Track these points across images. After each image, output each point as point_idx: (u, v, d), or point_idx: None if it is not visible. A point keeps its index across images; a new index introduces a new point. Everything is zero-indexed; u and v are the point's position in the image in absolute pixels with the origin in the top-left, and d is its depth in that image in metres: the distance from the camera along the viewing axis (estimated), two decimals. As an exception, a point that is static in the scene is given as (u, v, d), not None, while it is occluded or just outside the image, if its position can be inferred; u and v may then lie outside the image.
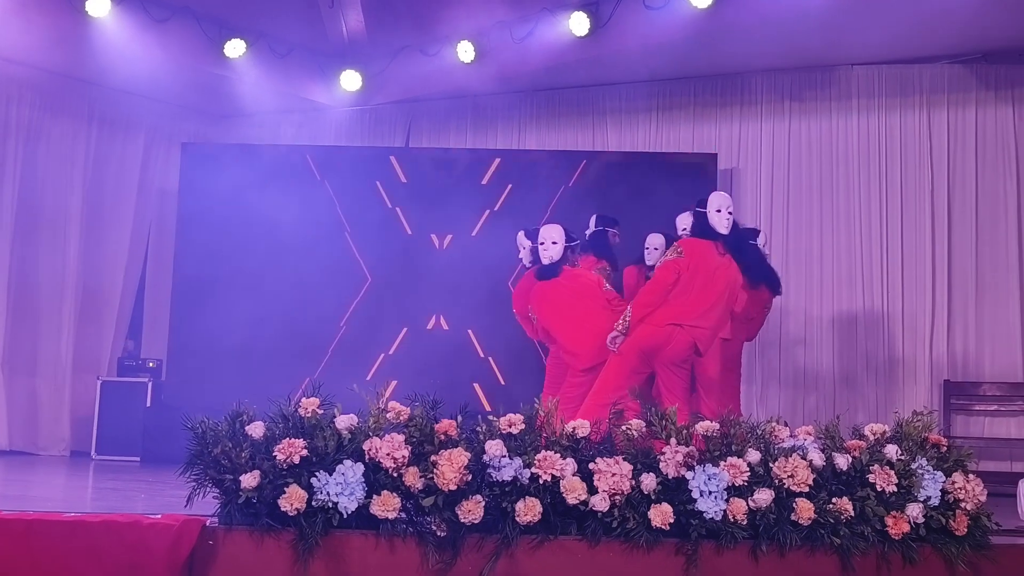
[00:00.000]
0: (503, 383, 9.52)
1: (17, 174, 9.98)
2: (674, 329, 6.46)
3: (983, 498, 4.61)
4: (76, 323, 10.30)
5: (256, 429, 4.34)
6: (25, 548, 4.12)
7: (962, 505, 4.55)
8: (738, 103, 10.12)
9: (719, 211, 6.58)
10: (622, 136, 10.39)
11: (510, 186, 9.83)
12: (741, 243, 6.75)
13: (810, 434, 4.74)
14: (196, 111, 11.01)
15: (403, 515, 4.28)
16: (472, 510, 4.22)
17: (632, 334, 6.53)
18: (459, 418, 4.42)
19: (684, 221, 7.17)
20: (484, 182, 9.88)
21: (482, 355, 9.62)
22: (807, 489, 4.42)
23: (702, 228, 6.62)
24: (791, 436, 4.69)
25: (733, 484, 4.37)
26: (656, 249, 7.62)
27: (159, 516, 4.28)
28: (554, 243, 7.06)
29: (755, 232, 7.63)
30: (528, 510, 4.25)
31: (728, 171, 9.99)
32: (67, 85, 10.25)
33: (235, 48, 9.61)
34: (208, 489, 4.31)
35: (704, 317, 6.50)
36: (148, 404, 9.68)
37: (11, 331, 9.92)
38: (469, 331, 9.65)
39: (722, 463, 4.40)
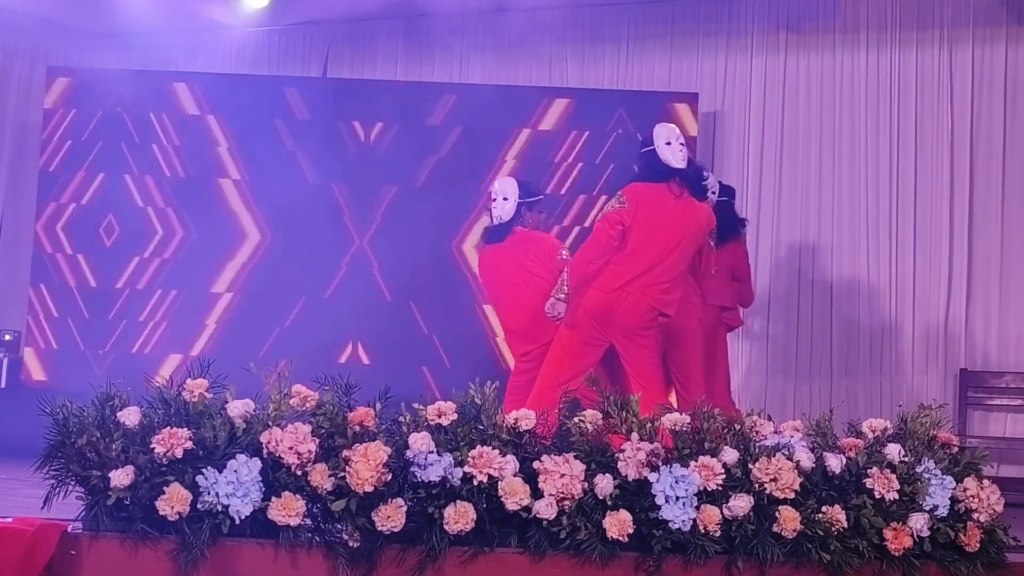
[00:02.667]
0: (448, 365, 9.54)
1: None
2: (621, 293, 6.42)
3: (999, 508, 4.69)
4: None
5: (130, 416, 4.31)
6: None
7: (974, 516, 4.62)
8: (724, 33, 10.15)
9: (669, 144, 6.56)
10: (584, 70, 10.39)
11: (461, 128, 9.80)
12: (698, 180, 6.70)
13: (798, 430, 4.78)
14: (65, 29, 10.84)
15: (308, 521, 4.28)
16: (391, 516, 4.22)
17: (577, 300, 6.52)
18: (378, 405, 4.42)
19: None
20: (430, 123, 9.84)
21: (425, 331, 9.63)
22: (792, 495, 4.47)
23: (651, 168, 6.57)
24: (775, 432, 4.74)
25: (705, 488, 4.40)
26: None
27: (10, 520, 4.24)
28: (505, 199, 7.04)
29: (732, 191, 7.75)
30: (459, 517, 4.26)
31: (711, 114, 10.03)
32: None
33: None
34: (71, 488, 4.27)
35: (656, 275, 6.43)
36: (2, 384, 9.58)
37: None
38: (411, 303, 9.65)
39: (692, 463, 4.43)
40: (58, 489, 4.27)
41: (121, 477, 4.17)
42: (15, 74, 10.76)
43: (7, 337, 9.89)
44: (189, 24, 10.69)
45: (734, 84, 10.14)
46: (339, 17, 10.53)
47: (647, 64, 10.33)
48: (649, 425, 4.50)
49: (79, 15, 10.55)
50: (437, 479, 4.29)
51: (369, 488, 4.20)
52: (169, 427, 4.26)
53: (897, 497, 4.57)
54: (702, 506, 4.39)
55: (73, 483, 4.26)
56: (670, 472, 4.39)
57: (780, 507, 4.44)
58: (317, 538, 4.27)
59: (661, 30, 10.29)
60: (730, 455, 4.51)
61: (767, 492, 4.45)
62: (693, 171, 6.67)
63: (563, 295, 6.58)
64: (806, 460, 4.56)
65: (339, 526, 4.26)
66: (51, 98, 9.99)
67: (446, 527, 4.26)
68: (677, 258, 6.52)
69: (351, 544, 4.24)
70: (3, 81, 10.68)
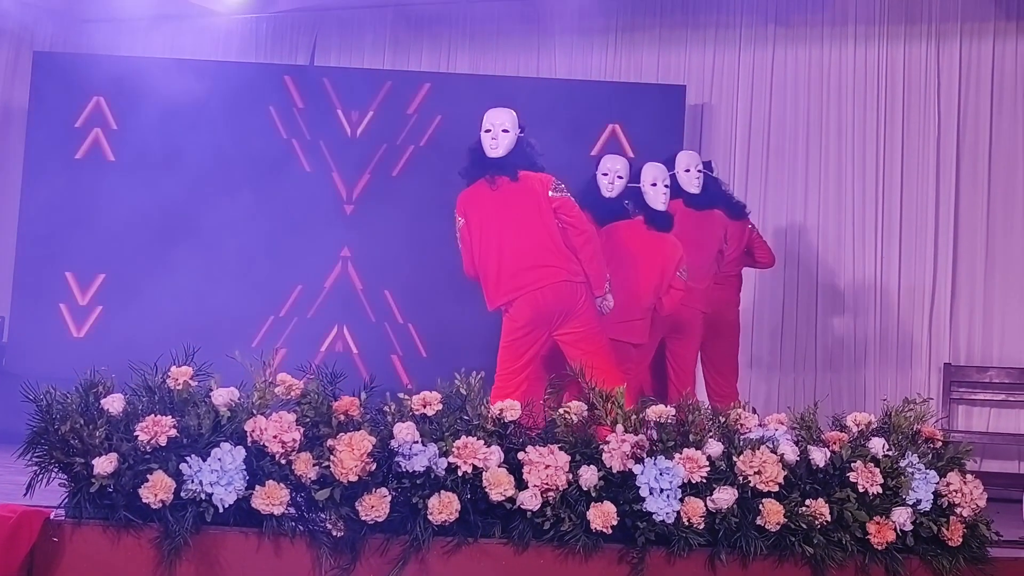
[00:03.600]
0: (424, 355, 9.53)
1: None
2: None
3: (982, 503, 4.71)
4: None
5: (114, 403, 4.30)
6: None
7: (957, 511, 4.64)
8: (712, 25, 10.15)
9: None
10: (572, 61, 10.38)
11: (440, 117, 9.77)
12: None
13: (782, 423, 4.80)
14: (51, 13, 10.81)
15: (292, 510, 4.28)
16: (375, 506, 4.22)
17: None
18: (363, 395, 4.42)
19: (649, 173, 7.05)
20: (410, 111, 9.82)
21: (401, 321, 9.62)
22: (776, 488, 4.48)
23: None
24: (760, 425, 4.75)
25: (689, 481, 4.42)
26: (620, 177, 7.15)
27: (-8, 506, 4.23)
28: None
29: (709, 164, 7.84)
30: (443, 507, 4.26)
31: (698, 107, 10.03)
32: None
33: (101, -64, 9.43)
34: (54, 475, 4.26)
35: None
36: (-15, 370, 9.57)
37: None
38: (386, 292, 9.64)
39: (677, 456, 4.44)
40: (41, 476, 4.26)
41: (104, 464, 4.16)
42: (0, 58, 10.70)
43: (-10, 322, 9.87)
44: (176, 10, 10.64)
45: (722, 76, 10.14)
46: (327, 5, 10.50)
47: (635, 56, 10.32)
48: (634, 417, 4.51)
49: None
50: (422, 469, 4.29)
51: (353, 478, 4.20)
52: (153, 415, 4.26)
53: (880, 491, 4.58)
54: (686, 498, 4.40)
55: (56, 470, 4.26)
56: (655, 464, 4.40)
57: (764, 500, 4.45)
58: (301, 527, 4.27)
59: (649, 22, 10.28)
60: (715, 448, 4.53)
61: (751, 485, 4.47)
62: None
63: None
64: (790, 453, 4.58)
65: (323, 515, 4.26)
66: (37, 82, 9.94)
67: (430, 517, 4.27)
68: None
69: (335, 533, 4.24)
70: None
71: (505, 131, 6.46)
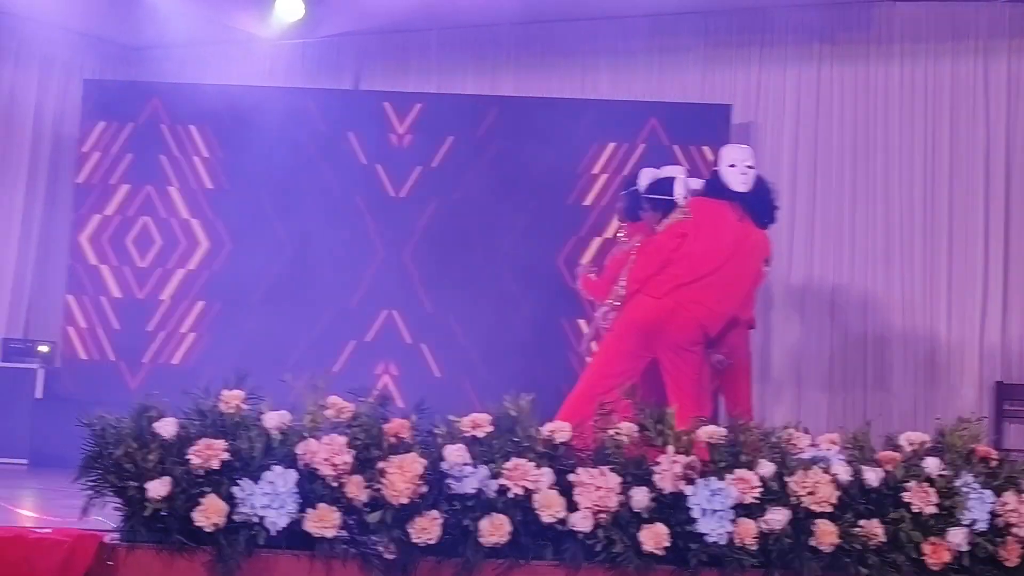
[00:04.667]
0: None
1: None
2: (669, 302, 6.40)
3: (1040, 522, 4.64)
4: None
5: (167, 427, 4.32)
6: None
7: (1014, 531, 4.58)
8: (757, 44, 10.14)
9: (732, 166, 6.62)
10: (617, 81, 10.39)
11: (507, 141, 9.84)
12: (760, 206, 6.71)
13: (835, 443, 4.75)
14: (101, 41, 10.93)
15: (344, 533, 4.26)
16: (427, 528, 4.21)
17: (625, 309, 6.55)
18: (413, 417, 4.42)
19: (645, 177, 7.16)
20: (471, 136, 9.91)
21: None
22: (830, 509, 4.43)
23: (713, 186, 6.67)
24: (812, 445, 4.71)
25: (741, 502, 4.38)
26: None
27: (48, 530, 4.27)
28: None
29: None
30: (495, 529, 4.25)
31: (744, 125, 10.01)
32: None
33: (149, -35, 9.54)
34: (108, 499, 4.28)
35: (707, 283, 6.43)
36: (38, 396, 9.63)
37: None
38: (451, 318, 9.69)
39: (728, 476, 4.41)
40: (95, 500, 4.27)
41: (158, 488, 4.18)
42: (52, 87, 10.84)
43: (43, 348, 9.94)
44: (224, 36, 10.75)
45: (768, 95, 10.12)
46: (372, 29, 10.56)
47: (679, 76, 10.32)
48: (685, 438, 4.48)
49: (115, 28, 10.63)
50: (472, 491, 4.28)
51: (405, 500, 4.19)
52: (205, 438, 4.27)
53: (936, 511, 4.52)
54: (738, 519, 4.36)
55: (110, 494, 4.27)
56: (706, 485, 4.37)
57: (817, 521, 4.40)
58: (353, 550, 4.25)
59: (694, 42, 10.28)
60: (766, 468, 4.49)
61: (804, 505, 4.42)
62: (756, 196, 6.66)
63: (616, 298, 6.59)
64: (843, 473, 4.53)
65: (375, 538, 4.25)
66: (87, 110, 10.05)
67: (481, 539, 4.25)
68: (731, 272, 6.52)
69: (387, 556, 4.23)
70: (41, 94, 10.76)
71: (751, 167, 6.63)
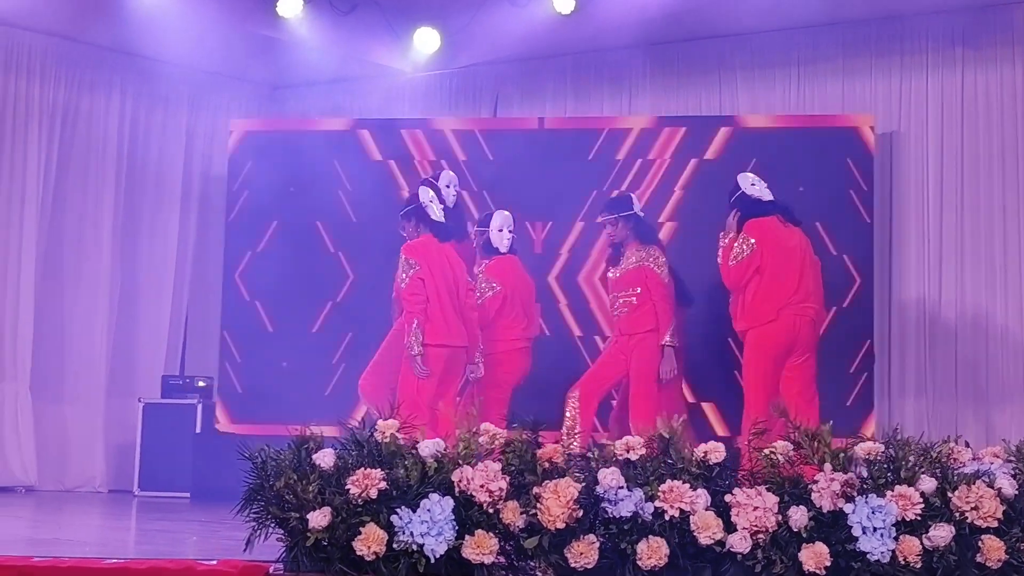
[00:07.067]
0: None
1: (42, 162, 10.25)
2: (786, 315, 7.63)
3: None
4: (112, 334, 10.53)
5: (325, 458, 4.38)
6: (60, 600, 4.22)
7: None
8: (897, 52, 9.94)
9: (754, 184, 7.88)
10: (755, 97, 10.30)
11: (639, 161, 9.82)
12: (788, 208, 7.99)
13: (997, 456, 4.65)
14: (246, 82, 11.21)
15: (501, 559, 4.29)
16: (584, 552, 4.21)
17: (756, 336, 7.67)
18: (567, 441, 4.42)
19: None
20: (590, 158, 9.87)
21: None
22: (995, 524, 4.33)
23: (754, 206, 7.84)
24: (974, 459, 4.61)
25: (903, 519, 4.29)
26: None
27: (215, 562, 4.35)
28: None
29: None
30: (652, 552, 4.23)
31: (887, 135, 9.83)
32: (95, 56, 10.53)
33: (289, 6, 9.72)
34: (271, 530, 4.35)
35: (801, 297, 7.67)
36: (197, 430, 9.85)
37: (37, 344, 10.16)
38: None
39: (888, 493, 4.33)
40: (259, 531, 4.35)
41: (319, 518, 4.24)
42: (200, 129, 11.14)
43: (201, 383, 10.18)
44: (363, 72, 10.93)
45: (910, 104, 9.92)
46: (508, 58, 10.63)
47: (819, 88, 10.19)
48: (842, 455, 4.41)
49: (258, 69, 10.88)
50: (628, 514, 4.26)
51: (561, 525, 4.20)
52: (363, 468, 4.32)
53: (1104, 523, 4.39)
54: (901, 536, 4.27)
55: (273, 525, 4.34)
56: (866, 503, 4.29)
57: (983, 536, 4.31)
58: (511, 575, 4.27)
59: (832, 52, 10.13)
60: (928, 484, 4.39)
61: (968, 521, 4.32)
62: (780, 201, 7.93)
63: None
64: (1008, 487, 4.42)
65: (532, 563, 4.26)
66: (235, 149, 10.28)
67: (639, 563, 4.23)
68: (807, 275, 7.73)
69: (545, 581, 4.24)
70: (190, 136, 11.08)
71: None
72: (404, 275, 7.79)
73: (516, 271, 8.58)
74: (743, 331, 7.82)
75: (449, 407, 7.39)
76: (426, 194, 8.06)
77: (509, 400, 8.18)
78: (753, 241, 7.68)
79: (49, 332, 10.31)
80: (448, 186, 8.60)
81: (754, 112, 10.13)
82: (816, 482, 4.34)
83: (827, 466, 4.38)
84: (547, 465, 4.37)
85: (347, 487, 4.29)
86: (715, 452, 4.45)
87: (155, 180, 10.91)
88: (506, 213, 8.53)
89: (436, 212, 7.97)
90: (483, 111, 10.95)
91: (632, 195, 8.63)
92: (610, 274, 8.48)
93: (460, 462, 4.37)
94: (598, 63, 10.68)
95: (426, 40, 10.28)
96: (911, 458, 4.47)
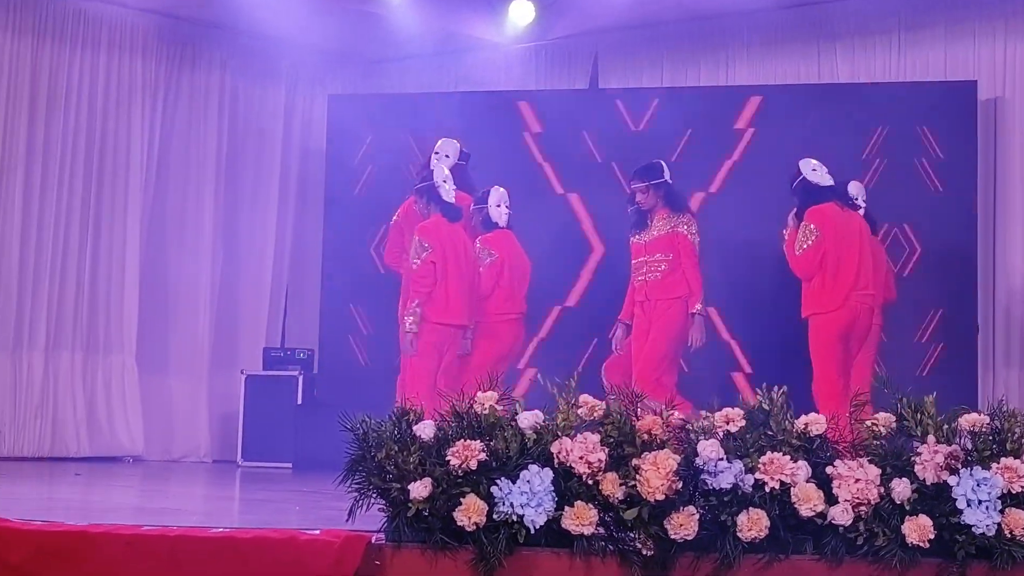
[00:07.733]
0: (750, 371, 9.49)
1: (145, 138, 10.43)
2: (849, 303, 7.69)
3: None
4: (214, 306, 10.71)
5: (426, 429, 4.41)
6: (170, 568, 4.29)
7: None
8: (1001, 16, 9.74)
9: (815, 170, 7.86)
10: (855, 64, 10.16)
11: (753, 130, 9.79)
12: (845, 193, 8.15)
13: (1105, 428, 4.54)
14: (342, 57, 11.28)
15: (601, 530, 4.28)
16: (684, 524, 4.20)
17: (820, 323, 7.73)
18: (667, 413, 4.41)
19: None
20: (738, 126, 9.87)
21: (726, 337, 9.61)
22: (1106, 496, 4.24)
23: (814, 193, 7.84)
24: (1082, 431, 4.51)
25: (1009, 491, 4.22)
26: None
27: (317, 532, 4.39)
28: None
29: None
30: (752, 524, 4.21)
31: (991, 101, 9.65)
32: (197, 33, 10.67)
33: (387, -20, 9.76)
34: (372, 500, 4.39)
35: (862, 284, 7.75)
36: (299, 401, 9.98)
37: (142, 317, 10.36)
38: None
39: (994, 465, 4.26)
40: (361, 502, 4.39)
41: (420, 489, 4.27)
42: (299, 103, 11.25)
43: (302, 355, 10.30)
44: (459, 45, 10.95)
45: (1015, 69, 9.71)
46: (604, 27, 10.59)
47: (920, 54, 10.02)
48: (947, 427, 4.35)
49: (355, 43, 10.94)
50: (728, 486, 4.24)
51: (660, 496, 4.18)
52: (463, 439, 4.35)
53: None
54: (1007, 509, 4.20)
55: (374, 496, 4.37)
56: (971, 475, 4.23)
57: (1093, 509, 4.22)
58: (611, 546, 4.27)
59: (933, 18, 9.95)
60: (1034, 456, 4.32)
61: (1077, 494, 4.24)
62: (839, 186, 8.03)
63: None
64: (1119, 459, 4.33)
65: (632, 534, 4.25)
66: (333, 124, 10.35)
67: (739, 534, 4.21)
68: (866, 261, 7.80)
69: (645, 552, 4.23)
70: (288, 110, 11.19)
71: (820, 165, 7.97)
72: (416, 257, 7.89)
73: (513, 245, 8.59)
74: (808, 316, 7.86)
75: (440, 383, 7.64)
76: (441, 173, 8.12)
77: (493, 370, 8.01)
78: (814, 227, 7.72)
79: (154, 305, 10.51)
80: (448, 155, 8.64)
81: (852, 79, 9.99)
82: (919, 454, 4.29)
83: (930, 438, 4.33)
84: (647, 437, 4.35)
85: (447, 458, 4.31)
86: (816, 424, 4.42)
87: (255, 155, 11.05)
88: (502, 190, 8.51)
89: (447, 193, 8.07)
90: (578, 82, 10.91)
91: (662, 163, 8.47)
92: (635, 239, 8.42)
93: (559, 434, 4.38)
94: (694, 32, 10.59)
95: (521, 11, 10.28)
96: (1017, 430, 4.40)
